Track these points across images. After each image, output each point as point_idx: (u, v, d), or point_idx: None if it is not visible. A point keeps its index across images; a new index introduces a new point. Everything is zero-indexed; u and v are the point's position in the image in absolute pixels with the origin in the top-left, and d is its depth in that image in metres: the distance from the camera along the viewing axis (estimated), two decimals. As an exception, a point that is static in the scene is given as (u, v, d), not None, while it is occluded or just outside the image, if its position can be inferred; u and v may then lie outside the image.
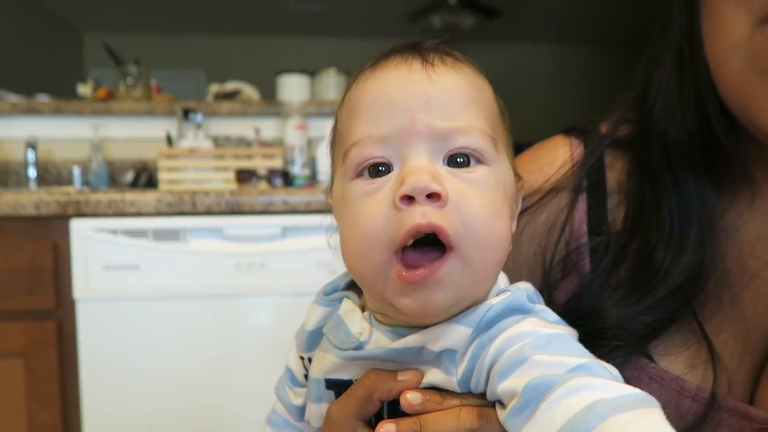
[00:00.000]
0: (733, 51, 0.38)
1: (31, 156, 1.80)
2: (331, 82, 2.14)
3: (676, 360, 0.44)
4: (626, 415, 0.27)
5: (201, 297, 1.32)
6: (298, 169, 1.86)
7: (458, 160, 0.35)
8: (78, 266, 1.26)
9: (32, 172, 1.81)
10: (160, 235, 1.29)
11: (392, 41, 0.44)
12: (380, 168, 0.35)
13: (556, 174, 0.51)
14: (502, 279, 0.40)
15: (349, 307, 0.41)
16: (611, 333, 0.42)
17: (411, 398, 0.35)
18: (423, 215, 0.32)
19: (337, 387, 0.40)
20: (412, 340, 0.36)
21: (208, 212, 1.31)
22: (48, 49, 4.52)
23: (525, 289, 0.37)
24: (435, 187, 0.32)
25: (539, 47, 5.35)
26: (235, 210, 1.31)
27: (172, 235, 1.30)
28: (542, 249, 0.50)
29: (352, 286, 0.44)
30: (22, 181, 1.87)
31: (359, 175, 0.36)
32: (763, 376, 0.44)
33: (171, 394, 1.32)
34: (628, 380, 0.44)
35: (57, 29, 4.77)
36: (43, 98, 1.88)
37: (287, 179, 1.75)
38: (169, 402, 1.32)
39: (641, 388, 0.43)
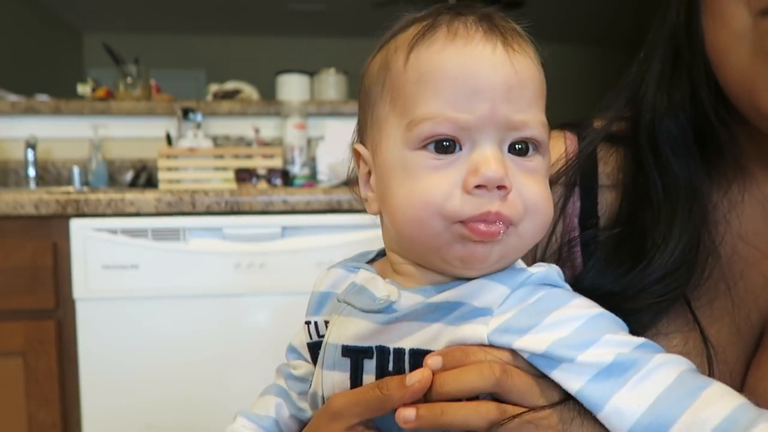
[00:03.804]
0: (736, 43, 0.40)
1: (30, 155, 1.80)
2: (330, 82, 2.13)
3: (669, 349, 0.45)
4: (717, 386, 0.33)
5: (200, 297, 1.31)
6: (297, 169, 1.86)
7: (518, 146, 0.38)
8: (77, 266, 1.26)
9: (32, 172, 1.81)
10: (159, 234, 1.29)
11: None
12: (445, 143, 0.37)
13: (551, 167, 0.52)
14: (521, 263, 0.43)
15: (368, 276, 0.43)
16: None
17: (432, 363, 0.36)
18: (491, 204, 0.36)
19: (355, 355, 0.40)
20: (451, 295, 0.38)
21: (208, 212, 1.31)
22: (48, 49, 4.52)
23: (556, 268, 0.40)
24: (506, 181, 0.35)
25: (540, 47, 5.35)
26: (234, 210, 1.31)
27: (172, 234, 1.30)
28: None
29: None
30: (21, 181, 1.87)
31: (424, 146, 0.37)
32: (753, 363, 0.45)
33: (170, 393, 1.32)
34: None
35: (57, 29, 4.77)
36: (42, 98, 1.88)
37: (287, 179, 1.75)
38: (168, 401, 1.32)
39: None
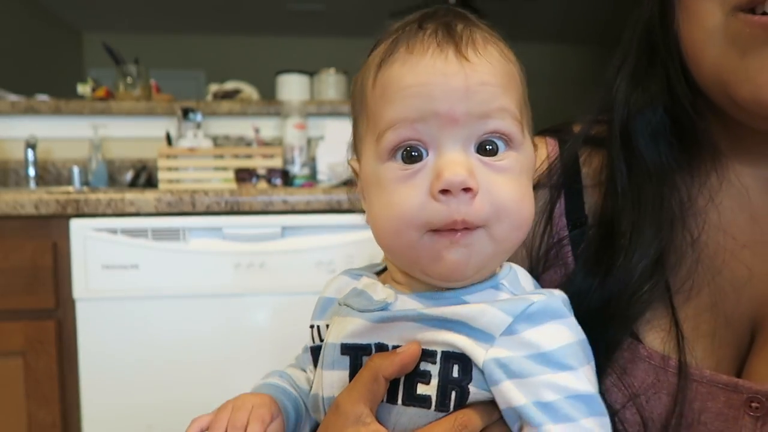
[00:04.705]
0: (710, 39, 0.41)
1: (30, 155, 1.80)
2: (330, 82, 2.14)
3: (663, 340, 0.46)
4: None
5: (200, 296, 1.32)
6: (297, 169, 1.86)
7: (487, 147, 0.37)
8: (77, 266, 1.26)
9: (32, 172, 1.81)
10: (159, 234, 1.29)
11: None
12: (413, 153, 0.37)
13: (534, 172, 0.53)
14: (525, 279, 0.42)
15: (368, 281, 0.43)
16: (597, 317, 0.44)
17: None
18: (457, 212, 0.35)
19: (354, 352, 0.41)
20: (450, 312, 0.38)
21: (208, 212, 1.31)
22: (48, 49, 4.52)
23: (560, 296, 0.40)
24: (470, 183, 0.35)
25: (539, 47, 5.36)
26: (234, 209, 1.32)
27: (172, 234, 1.30)
28: (525, 243, 0.53)
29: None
30: (21, 181, 1.87)
31: (392, 157, 0.38)
32: (753, 351, 0.45)
33: (171, 393, 1.32)
34: (622, 363, 0.46)
35: (57, 29, 4.77)
36: (42, 98, 1.88)
37: (287, 179, 1.75)
38: (168, 401, 1.32)
39: (633, 369, 0.46)
